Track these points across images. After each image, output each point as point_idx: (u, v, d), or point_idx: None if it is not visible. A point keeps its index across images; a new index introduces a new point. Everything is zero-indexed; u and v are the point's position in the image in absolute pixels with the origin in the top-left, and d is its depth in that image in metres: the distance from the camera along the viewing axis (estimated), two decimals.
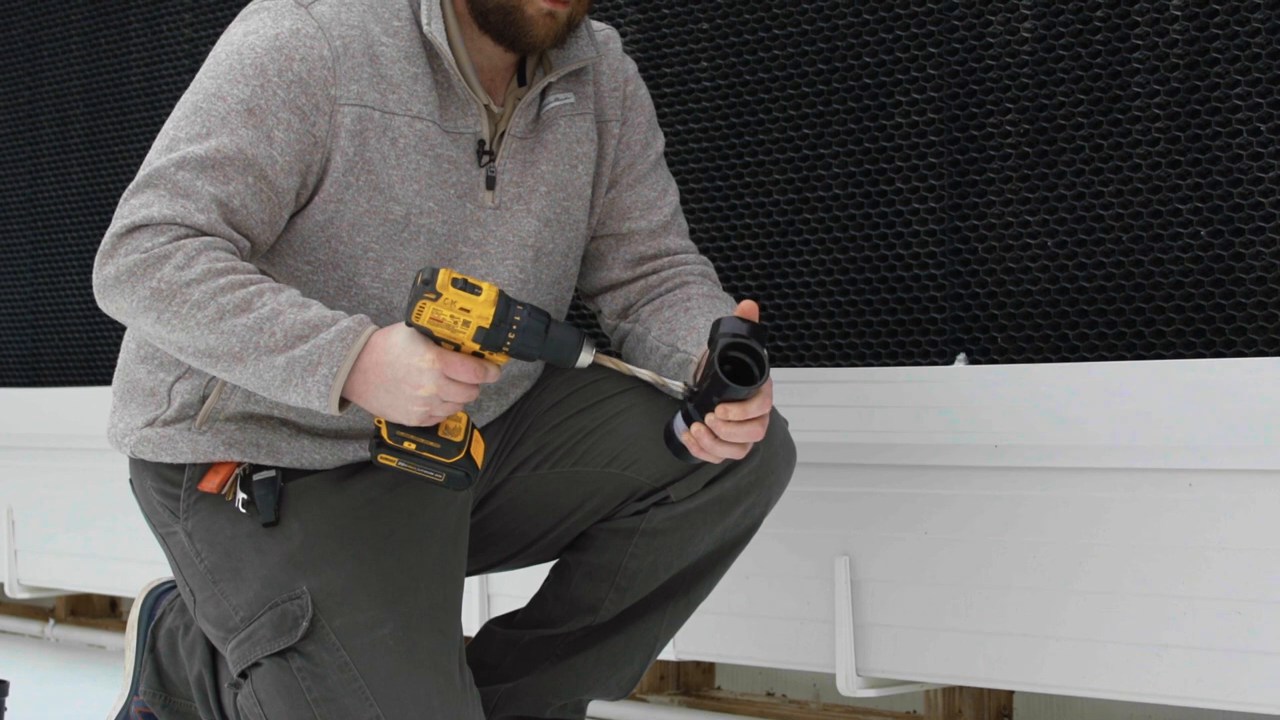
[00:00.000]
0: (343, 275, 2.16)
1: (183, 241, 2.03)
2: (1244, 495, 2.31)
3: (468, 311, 1.98)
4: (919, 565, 2.60)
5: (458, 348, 2.01)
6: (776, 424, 2.27)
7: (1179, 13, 2.37)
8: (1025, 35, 2.53)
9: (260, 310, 2.01)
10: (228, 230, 2.07)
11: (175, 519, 2.25)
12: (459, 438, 2.05)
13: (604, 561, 2.31)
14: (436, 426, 2.05)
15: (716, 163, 2.89)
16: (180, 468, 2.25)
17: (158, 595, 2.53)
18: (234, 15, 2.27)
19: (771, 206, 2.81)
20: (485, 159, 2.22)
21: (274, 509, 2.19)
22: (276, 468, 2.21)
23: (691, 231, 2.70)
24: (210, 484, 2.21)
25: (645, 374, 2.12)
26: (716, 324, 2.05)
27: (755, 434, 2.06)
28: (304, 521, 2.19)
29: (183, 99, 2.14)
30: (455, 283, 1.98)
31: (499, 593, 3.09)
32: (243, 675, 2.19)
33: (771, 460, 2.27)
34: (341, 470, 2.23)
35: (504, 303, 2.00)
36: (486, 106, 2.21)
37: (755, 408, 2.04)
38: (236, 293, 2.02)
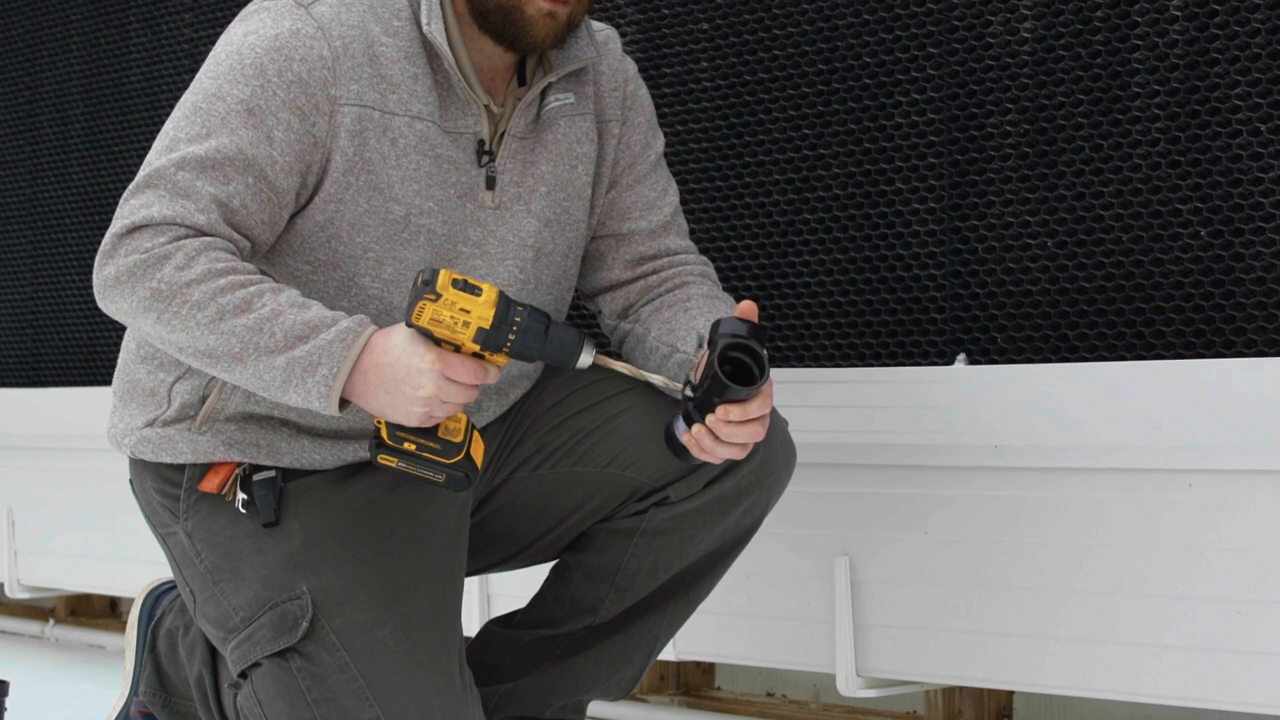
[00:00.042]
0: (342, 275, 2.16)
1: (183, 242, 2.03)
2: (1244, 495, 2.31)
3: (468, 312, 1.98)
4: (919, 565, 2.60)
5: (458, 349, 2.01)
6: (777, 424, 2.27)
7: (1179, 13, 2.37)
8: (1025, 35, 2.53)
9: (260, 311, 2.01)
10: (228, 230, 2.07)
11: (175, 519, 2.25)
12: (459, 438, 2.05)
13: (604, 562, 2.31)
14: (436, 427, 2.05)
15: (716, 163, 2.89)
16: (180, 468, 2.25)
17: (158, 595, 2.53)
18: (234, 15, 2.27)
19: (771, 206, 2.81)
20: (485, 159, 2.22)
21: (274, 509, 2.19)
22: (276, 468, 2.21)
23: (691, 231, 2.70)
24: (210, 484, 2.21)
25: (645, 374, 2.12)
26: (716, 324, 2.05)
27: (756, 434, 2.06)
28: (304, 522, 2.19)
29: (183, 99, 2.14)
30: (455, 283, 1.98)
31: (499, 593, 3.09)
32: (243, 675, 2.19)
33: (771, 460, 2.27)
34: (341, 470, 2.23)
35: (504, 304, 2.00)
36: (486, 107, 2.21)
37: (755, 408, 2.04)
38: (236, 293, 2.02)
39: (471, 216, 2.21)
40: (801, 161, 2.77)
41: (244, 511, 2.20)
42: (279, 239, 2.16)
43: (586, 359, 2.04)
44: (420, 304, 1.98)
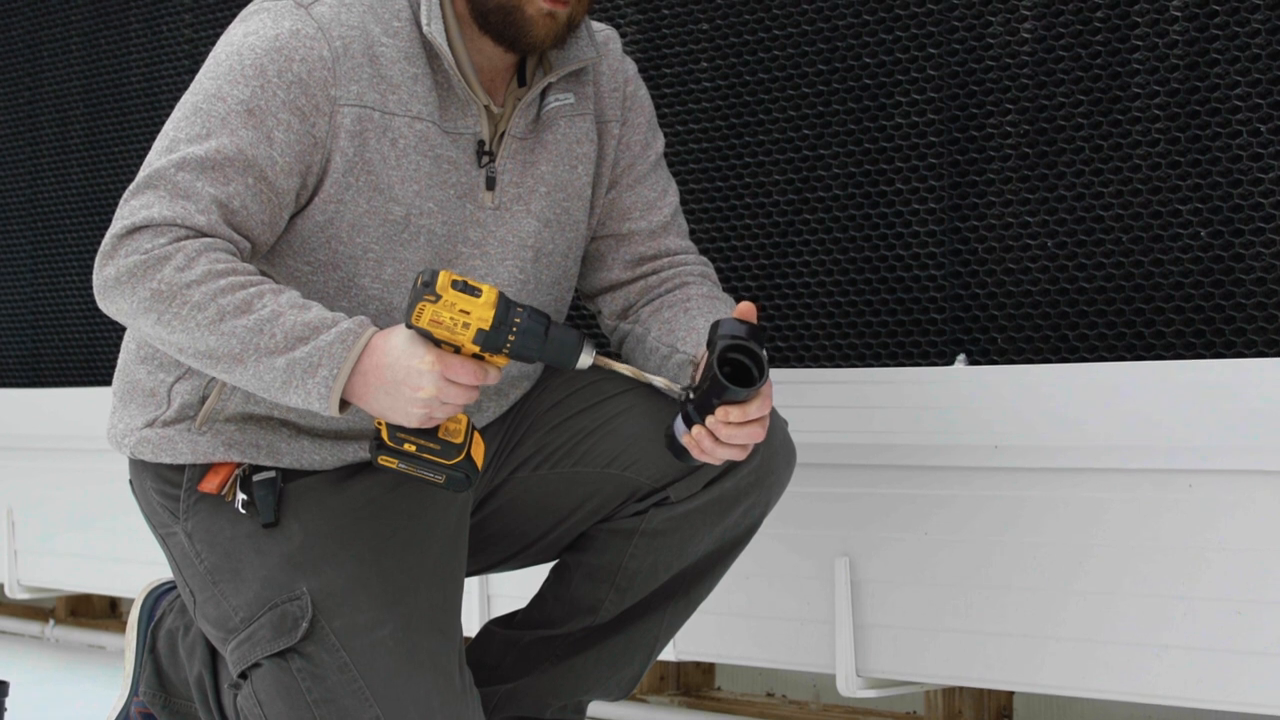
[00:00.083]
0: (342, 276, 2.16)
1: (183, 243, 2.03)
2: (1244, 495, 2.31)
3: (467, 314, 1.98)
4: (919, 566, 2.60)
5: (458, 350, 2.01)
6: (776, 425, 2.27)
7: (1179, 13, 2.37)
8: (1025, 35, 2.53)
9: (260, 312, 2.01)
10: (228, 231, 2.07)
11: (175, 520, 2.25)
12: (459, 439, 2.05)
13: (604, 562, 2.31)
14: (436, 428, 2.05)
15: (716, 163, 2.89)
16: (180, 468, 2.25)
17: (158, 596, 2.53)
18: (234, 15, 2.27)
19: (771, 206, 2.81)
20: (485, 159, 2.22)
21: (274, 510, 2.19)
22: (276, 468, 2.21)
23: (691, 231, 2.70)
24: (210, 485, 2.21)
25: (645, 375, 2.12)
26: (715, 326, 2.05)
27: (755, 435, 2.06)
28: (304, 522, 2.19)
29: (183, 100, 2.13)
30: (455, 285, 1.98)
31: (499, 593, 3.09)
32: (243, 676, 2.19)
33: (771, 461, 2.27)
34: (341, 471, 2.23)
35: (504, 305, 2.00)
36: (486, 107, 2.21)
37: (755, 409, 2.04)
38: (237, 294, 2.02)
39: (471, 217, 2.21)
40: (801, 161, 2.77)
41: (244, 512, 2.20)
42: (279, 239, 2.16)
43: (586, 360, 2.04)
44: (420, 305, 1.98)
